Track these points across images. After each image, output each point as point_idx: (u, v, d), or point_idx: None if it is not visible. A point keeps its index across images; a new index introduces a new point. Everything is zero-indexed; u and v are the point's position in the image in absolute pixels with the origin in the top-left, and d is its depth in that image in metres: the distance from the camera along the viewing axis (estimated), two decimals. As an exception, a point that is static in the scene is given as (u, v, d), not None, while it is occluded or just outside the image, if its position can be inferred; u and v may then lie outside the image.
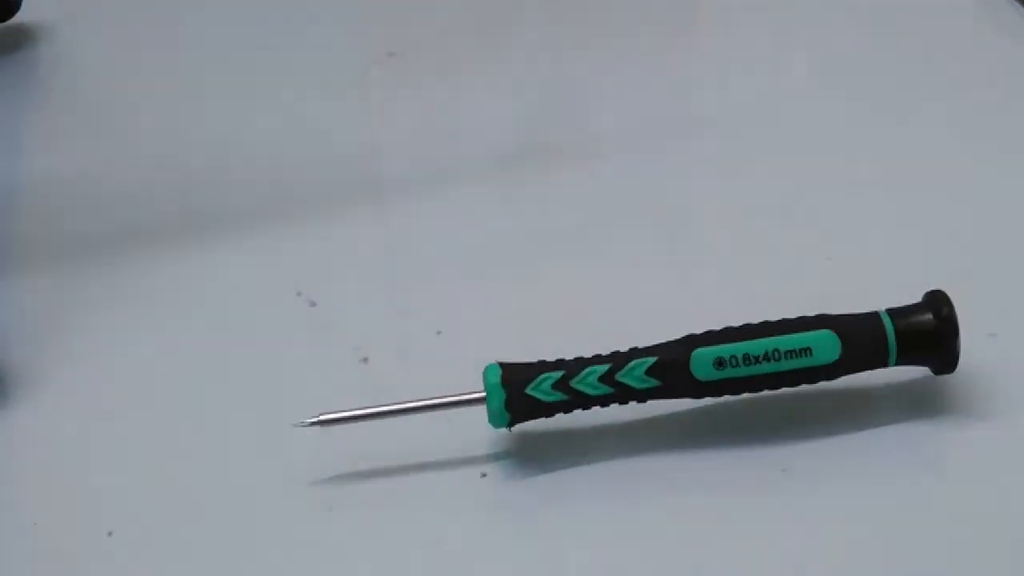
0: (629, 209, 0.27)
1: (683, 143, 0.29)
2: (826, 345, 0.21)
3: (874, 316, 0.21)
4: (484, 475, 0.21)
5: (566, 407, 0.21)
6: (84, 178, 0.29)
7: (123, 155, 0.30)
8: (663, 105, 0.30)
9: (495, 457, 0.21)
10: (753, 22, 0.34)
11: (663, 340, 0.21)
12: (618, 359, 0.21)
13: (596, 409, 0.21)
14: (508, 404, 0.21)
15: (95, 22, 0.35)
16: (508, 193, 0.28)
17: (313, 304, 0.25)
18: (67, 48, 0.34)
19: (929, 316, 0.21)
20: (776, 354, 0.21)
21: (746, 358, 0.21)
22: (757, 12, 0.35)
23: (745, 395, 0.21)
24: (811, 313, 0.21)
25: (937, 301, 0.21)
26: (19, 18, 0.35)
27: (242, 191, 0.28)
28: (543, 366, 0.21)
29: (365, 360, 0.23)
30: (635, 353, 0.21)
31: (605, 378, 0.21)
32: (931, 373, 0.22)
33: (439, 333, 0.24)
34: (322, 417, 0.21)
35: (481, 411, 0.21)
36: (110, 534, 0.20)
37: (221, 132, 0.30)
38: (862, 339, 0.21)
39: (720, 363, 0.21)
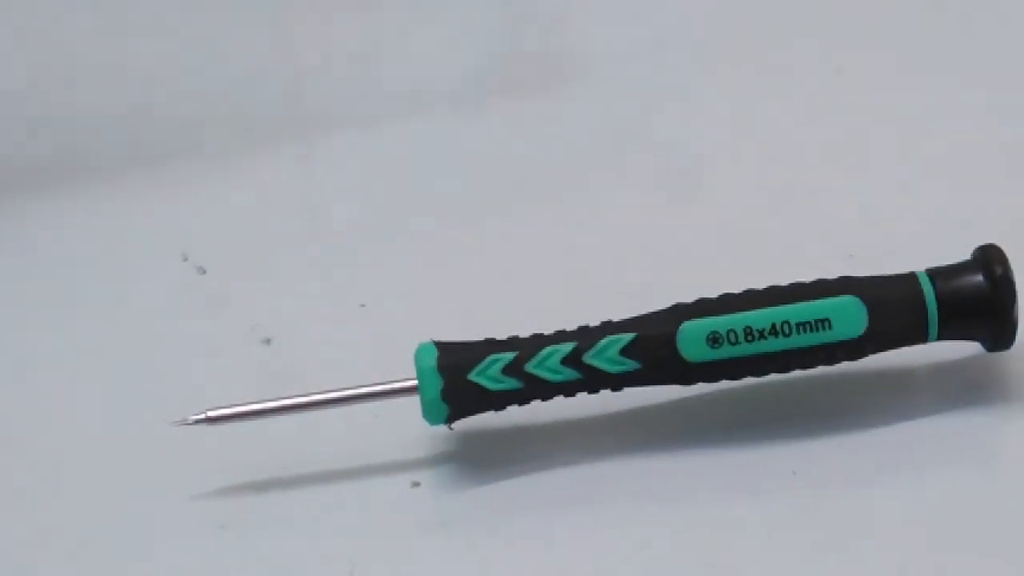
0: (602, 152, 0.25)
1: (673, 70, 0.26)
2: (850, 315, 0.18)
3: (910, 278, 0.18)
4: (416, 484, 0.18)
5: (520, 397, 0.19)
6: None
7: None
8: (649, 25, 0.27)
9: (430, 462, 0.19)
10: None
11: (644, 312, 0.18)
12: (586, 336, 0.18)
13: (559, 400, 0.18)
14: (446, 394, 0.18)
15: None
16: (451, 135, 0.25)
17: (203, 271, 0.22)
18: None
19: (980, 277, 0.18)
20: (786, 327, 0.18)
21: (748, 332, 0.18)
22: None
23: (746, 380, 0.18)
24: (831, 276, 0.18)
25: (989, 259, 0.18)
26: None
27: (116, 127, 0.25)
28: (491, 346, 0.18)
29: (267, 341, 0.21)
30: (608, 328, 0.18)
31: (570, 360, 0.18)
32: (983, 349, 0.19)
33: (362, 306, 0.21)
34: (209, 413, 0.18)
35: (413, 403, 0.18)
36: None
37: (91, 56, 0.27)
38: (895, 307, 0.19)
39: (715, 339, 0.18)
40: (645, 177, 0.24)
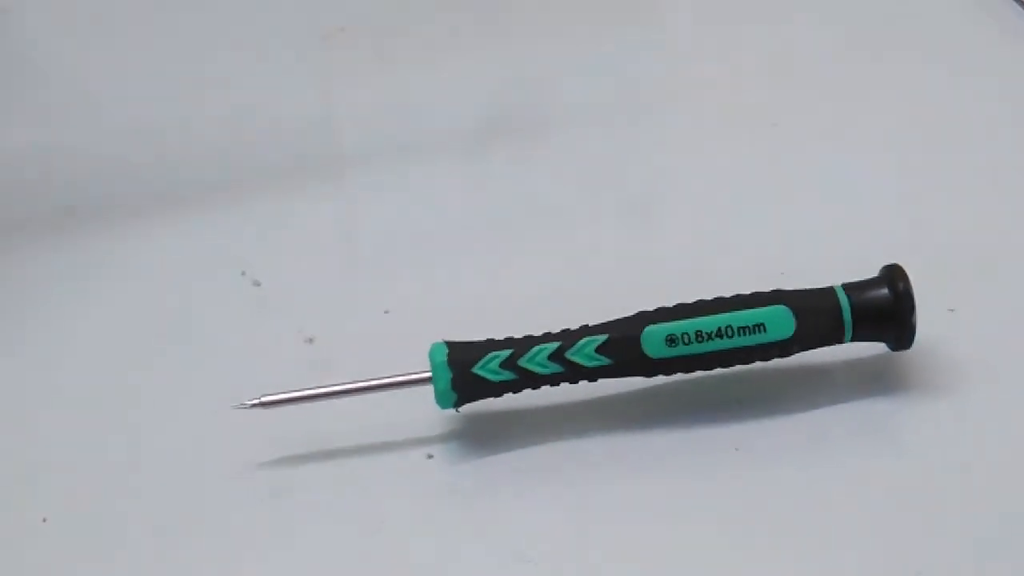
0: (582, 189, 0.27)
1: (639, 121, 0.28)
2: (780, 321, 0.20)
3: (829, 291, 0.20)
4: (431, 456, 0.20)
5: (515, 386, 0.20)
6: (21, 157, 0.28)
7: (64, 133, 0.30)
8: (620, 84, 0.30)
9: (442, 438, 0.21)
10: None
11: (614, 318, 0.20)
12: (568, 337, 0.20)
13: (546, 388, 0.20)
14: (455, 384, 0.20)
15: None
16: (460, 173, 0.27)
17: (257, 284, 0.24)
18: (10, 27, 0.34)
19: (885, 291, 0.20)
20: (729, 331, 0.20)
21: (698, 335, 0.20)
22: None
23: (697, 373, 0.21)
24: (765, 289, 0.21)
25: (893, 275, 0.20)
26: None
27: (188, 168, 0.28)
28: (491, 345, 0.20)
29: (310, 340, 0.23)
30: (585, 331, 0.20)
31: (555, 356, 0.20)
32: (888, 349, 0.21)
33: (387, 312, 0.23)
34: (264, 399, 0.20)
35: (428, 391, 0.20)
36: (44, 520, 0.19)
37: (166, 107, 0.29)
38: (817, 314, 0.20)
39: (672, 340, 0.20)
40: (615, 210, 0.27)
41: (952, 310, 0.22)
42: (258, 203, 0.26)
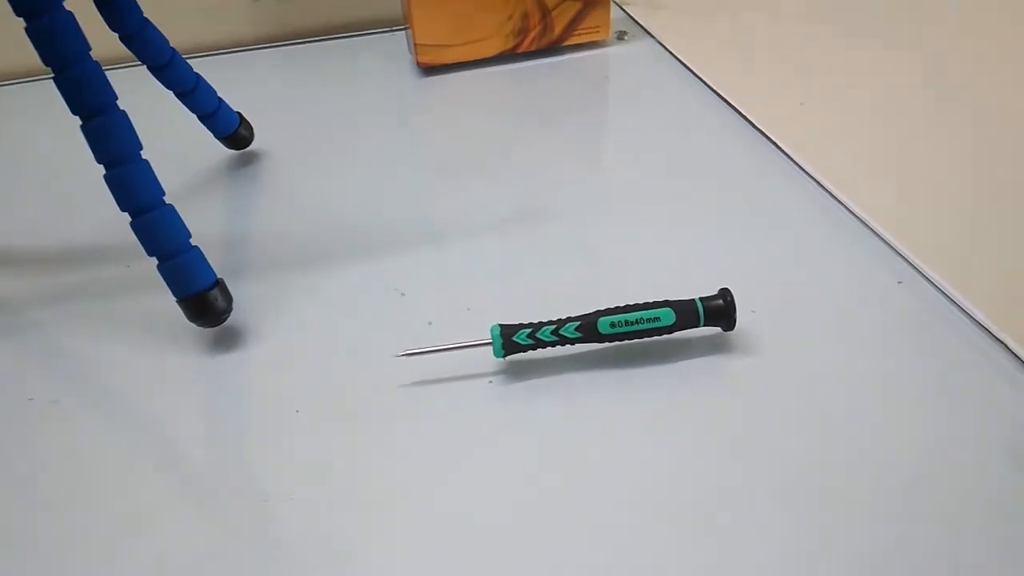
0: (568, 247, 0.42)
1: (598, 211, 0.45)
2: (667, 316, 0.34)
3: (692, 301, 0.35)
4: (491, 382, 0.34)
5: (534, 347, 0.34)
6: (283, 231, 0.45)
7: (307, 219, 0.46)
8: (582, 195, 0.47)
9: (496, 373, 0.35)
10: (632, 160, 0.50)
11: (584, 312, 0.35)
12: (560, 322, 0.34)
13: (551, 349, 0.35)
14: (503, 345, 0.34)
15: (291, 149, 0.53)
16: (501, 238, 0.43)
17: (403, 295, 0.39)
18: (275, 164, 0.51)
19: (721, 301, 0.35)
20: (641, 320, 0.34)
21: (626, 322, 0.34)
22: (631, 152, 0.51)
23: (625, 342, 0.35)
24: (660, 298, 0.35)
25: (725, 293, 0.35)
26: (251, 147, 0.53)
27: (365, 231, 0.44)
28: (521, 325, 0.34)
29: (431, 324, 0.37)
30: (569, 319, 0.34)
31: (554, 332, 0.34)
32: (721, 331, 0.36)
33: (468, 309, 0.38)
34: (410, 351, 0.35)
35: (489, 349, 0.34)
36: (297, 411, 0.34)
37: (354, 200, 0.46)
38: (686, 313, 0.34)
39: (613, 324, 0.34)
40: (584, 260, 0.41)
41: (753, 311, 0.37)
42: (407, 250, 0.42)
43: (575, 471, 0.31)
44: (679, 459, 0.31)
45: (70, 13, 0.33)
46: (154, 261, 0.36)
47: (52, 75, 0.33)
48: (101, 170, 0.34)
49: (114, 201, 0.34)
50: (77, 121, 0.34)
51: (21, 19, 0.32)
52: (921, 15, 0.67)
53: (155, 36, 0.43)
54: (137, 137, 0.34)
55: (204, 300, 0.36)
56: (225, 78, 0.49)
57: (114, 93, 0.34)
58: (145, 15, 0.42)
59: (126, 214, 0.35)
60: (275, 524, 0.29)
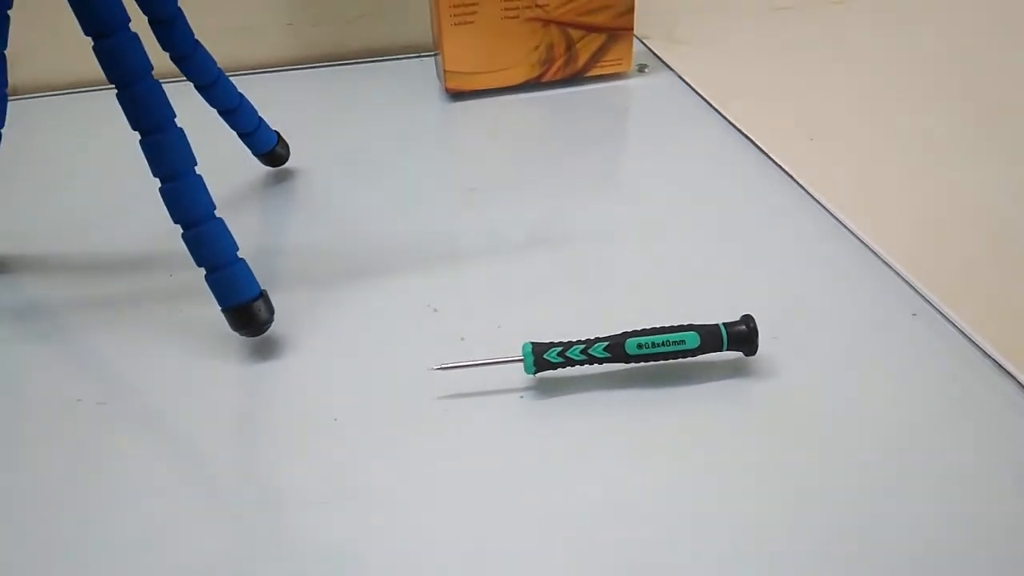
0: (590, 270, 0.44)
1: (620, 236, 0.46)
2: (692, 339, 0.35)
3: (716, 325, 0.36)
4: (522, 397, 0.35)
5: (563, 365, 0.35)
6: (318, 246, 0.46)
7: (340, 235, 0.47)
8: (608, 217, 0.48)
9: (527, 389, 0.36)
10: (649, 185, 0.52)
11: (608, 333, 0.36)
12: (589, 342, 0.35)
13: (579, 367, 0.36)
14: (534, 363, 0.35)
15: (325, 167, 0.54)
16: (522, 259, 0.45)
17: (436, 310, 0.41)
18: (309, 182, 0.53)
19: (744, 327, 0.36)
20: (667, 342, 0.35)
21: (652, 344, 0.35)
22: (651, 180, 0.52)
23: (651, 363, 0.36)
24: (686, 322, 0.36)
25: (748, 319, 0.36)
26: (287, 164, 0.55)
27: (397, 248, 0.45)
28: (552, 344, 0.36)
29: (463, 339, 0.39)
30: (598, 339, 0.35)
31: (583, 351, 0.35)
32: (743, 356, 0.37)
33: (500, 327, 0.39)
34: (444, 365, 0.36)
35: (520, 365, 0.36)
36: (335, 420, 0.35)
37: (386, 219, 0.48)
38: (710, 337, 0.35)
39: (640, 346, 0.35)
40: (611, 283, 0.43)
41: (775, 337, 0.38)
42: (441, 270, 0.43)
43: (600, 484, 0.32)
44: (699, 477, 0.32)
45: (135, 35, 0.34)
46: (198, 271, 0.37)
47: (113, 90, 0.34)
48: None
49: (164, 213, 0.36)
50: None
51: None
52: (941, 52, 0.69)
53: (204, 57, 0.44)
54: (192, 153, 0.36)
55: (248, 310, 0.37)
56: (260, 97, 0.51)
57: (172, 111, 0.35)
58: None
59: (178, 226, 0.36)
60: (308, 529, 0.30)
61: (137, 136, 0.35)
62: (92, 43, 0.34)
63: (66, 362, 0.38)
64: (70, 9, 0.33)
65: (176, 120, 0.35)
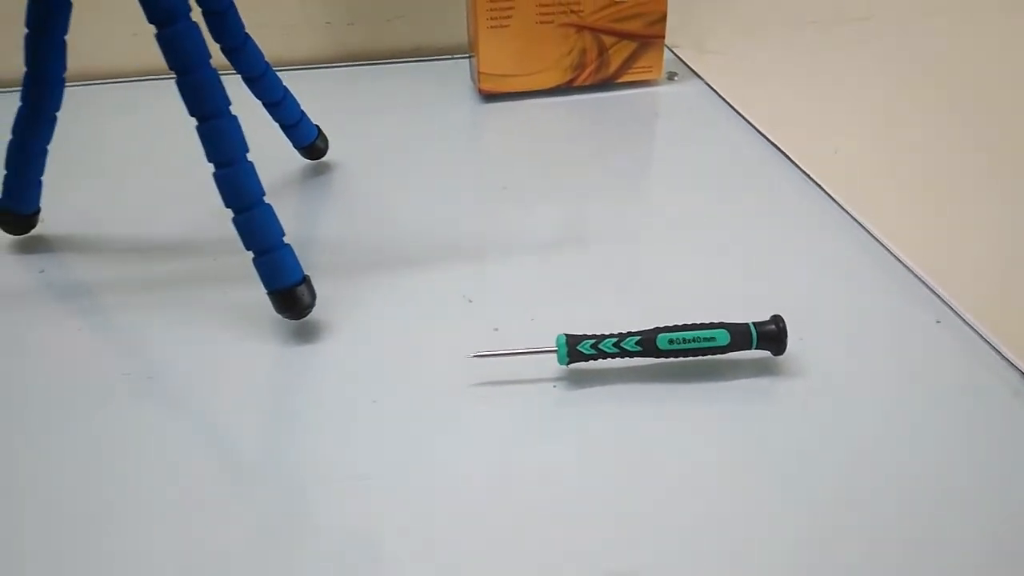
0: (619, 268, 0.45)
1: (648, 237, 0.47)
2: (722, 336, 0.36)
3: (746, 325, 0.37)
4: (555, 386, 0.36)
5: (596, 357, 0.36)
6: (356, 237, 0.48)
7: (377, 226, 0.48)
8: (637, 218, 0.49)
9: (560, 379, 0.37)
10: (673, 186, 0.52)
11: (645, 328, 0.36)
12: (622, 336, 0.36)
13: (611, 360, 0.36)
14: (568, 353, 0.36)
15: (361, 162, 0.55)
16: (561, 255, 0.46)
17: (470, 301, 0.42)
18: (346, 175, 0.54)
19: (773, 327, 0.37)
20: (698, 339, 0.36)
21: (683, 339, 0.36)
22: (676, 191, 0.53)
23: (681, 358, 0.36)
24: (716, 320, 0.37)
25: (777, 319, 0.37)
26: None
27: (432, 241, 0.46)
28: (585, 336, 0.36)
29: (497, 330, 0.39)
30: (630, 333, 0.36)
31: (616, 344, 0.36)
32: (771, 355, 0.37)
33: (532, 319, 0.40)
34: (481, 353, 0.37)
35: (554, 356, 0.36)
36: (374, 401, 0.36)
37: (420, 212, 0.49)
38: (740, 335, 0.36)
39: (671, 341, 0.36)
40: (640, 281, 0.44)
41: (801, 339, 0.38)
42: (476, 262, 0.44)
43: (628, 473, 0.32)
44: (724, 469, 0.33)
45: (195, 24, 0.35)
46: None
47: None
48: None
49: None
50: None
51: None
52: (972, 64, 0.69)
53: (253, 50, 0.46)
54: (245, 140, 0.37)
55: (293, 294, 0.38)
56: (297, 93, 0.52)
57: (228, 99, 0.36)
58: (246, 30, 0.45)
59: (228, 210, 0.37)
60: (346, 506, 0.31)
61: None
62: (155, 31, 0.35)
63: (115, 338, 0.39)
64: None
65: (231, 108, 0.36)
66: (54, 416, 0.35)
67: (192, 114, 0.36)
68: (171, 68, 0.35)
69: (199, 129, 0.36)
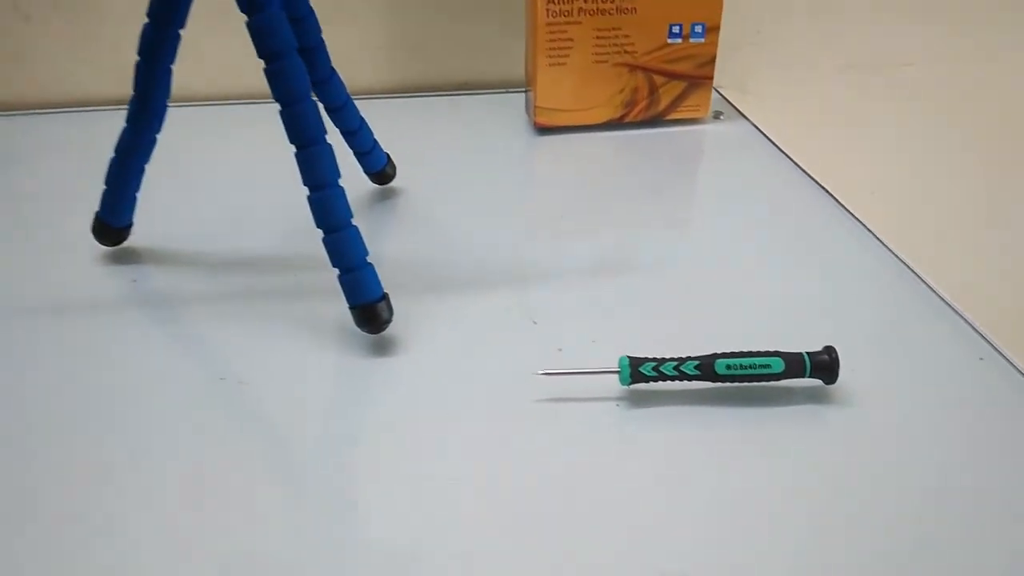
0: (671, 297, 0.47)
1: (699, 268, 0.49)
2: (777, 364, 0.37)
3: (800, 354, 0.38)
4: (617, 405, 0.38)
5: (656, 379, 0.37)
6: (424, 259, 0.50)
7: (444, 250, 0.51)
8: (687, 250, 0.52)
9: (622, 398, 0.38)
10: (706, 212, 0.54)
11: (703, 354, 0.38)
12: (682, 360, 0.38)
13: (671, 382, 0.38)
14: (630, 375, 0.37)
15: (424, 189, 0.58)
16: (617, 282, 0.48)
17: (535, 323, 0.44)
18: (411, 200, 0.57)
19: (826, 357, 0.38)
20: (754, 365, 0.37)
21: (740, 365, 0.37)
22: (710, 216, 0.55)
23: (738, 382, 0.38)
24: (771, 349, 0.38)
25: (830, 350, 0.39)
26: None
27: (496, 265, 0.49)
28: (647, 359, 0.38)
29: (560, 350, 0.41)
30: (689, 358, 0.38)
31: (676, 368, 0.37)
32: (823, 383, 0.39)
33: (594, 342, 0.42)
34: (548, 371, 0.38)
35: (616, 377, 0.38)
36: (445, 413, 0.38)
37: (483, 237, 0.52)
38: (794, 364, 0.38)
39: (729, 367, 0.37)
40: (701, 306, 0.46)
41: (853, 370, 0.40)
42: (539, 286, 0.47)
43: (686, 491, 0.34)
44: (777, 493, 0.34)
45: (300, 61, 0.38)
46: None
47: (279, 109, 0.38)
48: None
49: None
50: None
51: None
52: (1016, 110, 0.71)
53: (338, 83, 0.49)
54: (338, 167, 0.40)
55: (373, 310, 0.40)
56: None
57: (324, 128, 0.39)
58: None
59: (319, 230, 0.40)
60: (412, 515, 0.33)
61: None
62: (263, 65, 0.38)
63: (208, 345, 0.42)
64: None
65: (326, 137, 0.39)
66: (155, 415, 0.38)
67: (292, 142, 0.39)
68: (276, 99, 0.38)
69: (297, 155, 0.39)
